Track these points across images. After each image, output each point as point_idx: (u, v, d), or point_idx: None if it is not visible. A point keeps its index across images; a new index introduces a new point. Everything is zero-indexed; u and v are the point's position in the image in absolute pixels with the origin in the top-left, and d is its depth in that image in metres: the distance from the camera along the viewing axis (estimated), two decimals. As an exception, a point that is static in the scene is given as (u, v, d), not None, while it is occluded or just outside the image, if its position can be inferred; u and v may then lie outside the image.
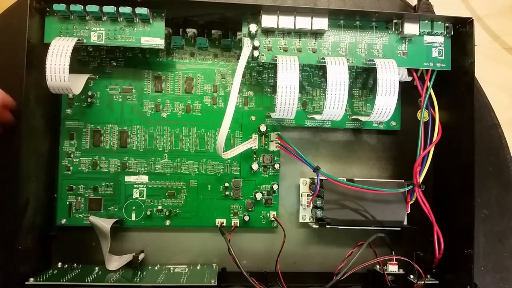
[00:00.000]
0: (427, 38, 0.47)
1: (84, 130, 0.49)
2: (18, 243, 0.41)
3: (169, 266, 0.49)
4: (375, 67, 0.44)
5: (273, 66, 0.51)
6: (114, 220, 0.47)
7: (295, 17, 0.44)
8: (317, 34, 0.46)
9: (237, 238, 0.50)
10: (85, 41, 0.44)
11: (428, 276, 0.48)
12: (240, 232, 0.51)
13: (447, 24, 0.47)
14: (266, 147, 0.51)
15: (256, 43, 0.44)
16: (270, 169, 0.51)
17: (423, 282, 0.47)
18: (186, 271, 0.47)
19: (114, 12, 0.43)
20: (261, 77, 0.51)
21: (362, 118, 0.49)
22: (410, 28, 0.46)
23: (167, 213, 0.49)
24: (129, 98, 0.50)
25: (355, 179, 0.48)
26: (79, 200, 0.49)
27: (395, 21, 0.46)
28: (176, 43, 0.49)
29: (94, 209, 0.49)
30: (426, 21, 0.46)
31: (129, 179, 0.49)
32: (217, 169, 0.50)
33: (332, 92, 0.42)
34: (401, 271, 0.48)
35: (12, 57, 0.47)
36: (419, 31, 0.46)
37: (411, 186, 0.47)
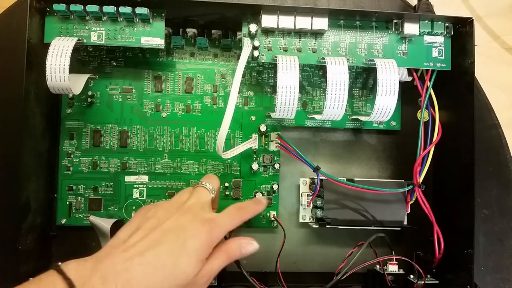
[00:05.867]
0: (427, 38, 0.47)
1: (84, 130, 0.49)
2: (18, 243, 0.41)
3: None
4: (375, 67, 0.44)
5: (273, 66, 0.51)
6: (114, 220, 0.47)
7: (295, 17, 0.44)
8: (317, 34, 0.46)
9: (237, 238, 0.50)
10: (85, 41, 0.44)
11: (428, 276, 0.48)
12: (240, 232, 0.51)
13: (447, 24, 0.47)
14: (266, 147, 0.51)
15: (256, 43, 0.44)
16: (270, 169, 0.51)
17: (423, 282, 0.47)
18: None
19: (114, 12, 0.43)
20: (261, 77, 0.51)
21: (362, 118, 0.49)
22: (410, 28, 0.46)
23: (167, 213, 0.49)
24: (129, 98, 0.50)
25: (355, 179, 0.48)
26: (79, 200, 0.49)
27: (395, 21, 0.46)
28: (176, 43, 0.49)
29: (94, 209, 0.49)
30: (426, 21, 0.46)
31: (129, 179, 0.49)
32: (217, 169, 0.50)
33: (332, 92, 0.42)
34: (401, 271, 0.48)
35: (12, 57, 0.47)
36: (419, 31, 0.46)
37: (411, 186, 0.47)
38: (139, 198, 0.49)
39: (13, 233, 0.41)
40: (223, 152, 0.45)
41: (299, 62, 0.43)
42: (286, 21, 0.44)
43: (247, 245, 0.39)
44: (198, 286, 0.36)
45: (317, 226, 0.49)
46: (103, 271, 0.32)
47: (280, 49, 0.46)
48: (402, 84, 0.50)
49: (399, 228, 0.48)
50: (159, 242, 0.34)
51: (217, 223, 0.38)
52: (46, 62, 0.40)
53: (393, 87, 0.43)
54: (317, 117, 0.47)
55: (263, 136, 0.51)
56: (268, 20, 0.44)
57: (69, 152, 0.49)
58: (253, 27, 0.44)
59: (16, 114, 0.42)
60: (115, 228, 0.48)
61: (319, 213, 0.48)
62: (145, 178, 0.49)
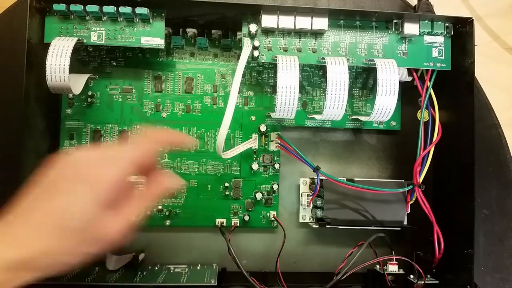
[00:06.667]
0: (427, 38, 0.47)
1: (84, 130, 0.49)
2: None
3: (169, 266, 0.49)
4: (375, 67, 0.44)
5: (273, 66, 0.51)
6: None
7: (295, 17, 0.44)
8: (317, 34, 0.46)
9: (237, 238, 0.50)
10: (85, 41, 0.44)
11: (428, 276, 0.48)
12: (240, 232, 0.51)
13: (447, 24, 0.47)
14: (266, 147, 0.51)
15: (256, 43, 0.44)
16: (270, 169, 0.51)
17: (423, 282, 0.47)
18: (186, 271, 0.47)
19: (114, 12, 0.43)
20: (261, 77, 0.51)
21: (362, 118, 0.49)
22: (410, 28, 0.46)
23: (167, 213, 0.49)
24: (129, 98, 0.50)
25: (355, 179, 0.48)
26: (79, 200, 0.48)
27: (395, 21, 0.46)
28: (176, 43, 0.49)
29: (94, 209, 0.49)
30: (426, 21, 0.46)
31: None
32: (217, 169, 0.50)
33: (332, 92, 0.42)
34: (401, 271, 0.48)
35: (12, 57, 0.47)
36: (419, 31, 0.46)
37: (411, 186, 0.47)
38: (139, 198, 0.49)
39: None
40: (223, 152, 0.45)
41: (299, 62, 0.43)
42: (286, 21, 0.44)
43: (171, 179, 0.34)
44: (105, 234, 0.31)
45: (317, 226, 0.49)
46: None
47: (280, 49, 0.46)
48: (402, 84, 0.50)
49: (399, 228, 0.48)
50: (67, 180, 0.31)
51: (118, 155, 0.32)
52: (46, 62, 0.40)
53: (393, 87, 0.43)
54: (317, 117, 0.47)
55: (263, 136, 0.51)
56: (268, 20, 0.44)
57: (69, 152, 0.49)
58: (253, 27, 0.44)
59: (16, 114, 0.42)
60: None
61: (319, 213, 0.48)
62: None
